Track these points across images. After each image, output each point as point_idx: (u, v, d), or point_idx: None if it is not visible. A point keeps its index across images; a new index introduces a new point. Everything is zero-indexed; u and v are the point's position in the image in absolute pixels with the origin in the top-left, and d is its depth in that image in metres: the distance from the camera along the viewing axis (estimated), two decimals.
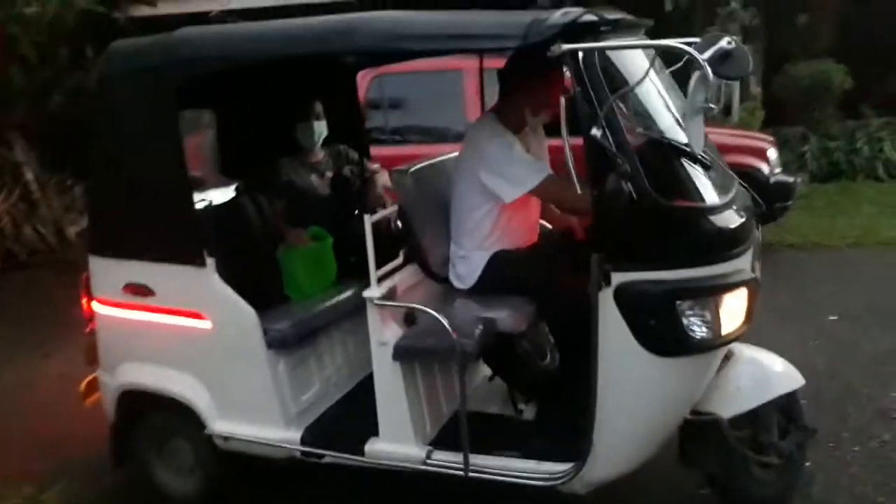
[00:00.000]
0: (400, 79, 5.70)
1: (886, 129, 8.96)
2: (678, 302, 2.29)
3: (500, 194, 2.80)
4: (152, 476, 3.21)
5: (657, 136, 2.41)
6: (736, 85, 7.92)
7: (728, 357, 2.63)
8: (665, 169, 2.37)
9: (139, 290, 2.93)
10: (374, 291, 2.64)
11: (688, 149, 2.37)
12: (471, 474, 2.59)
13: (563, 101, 2.30)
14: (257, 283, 2.97)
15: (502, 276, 2.87)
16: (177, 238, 2.86)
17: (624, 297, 2.31)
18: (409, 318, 2.75)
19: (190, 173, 2.80)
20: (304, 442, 2.86)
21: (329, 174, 3.56)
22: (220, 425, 2.92)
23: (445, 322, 2.53)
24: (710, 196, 2.41)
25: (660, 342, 2.33)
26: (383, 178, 3.57)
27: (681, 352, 2.36)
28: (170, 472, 3.19)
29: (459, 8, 2.57)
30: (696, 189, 2.39)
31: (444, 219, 3.05)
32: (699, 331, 2.33)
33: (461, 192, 2.95)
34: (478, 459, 2.60)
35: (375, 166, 3.74)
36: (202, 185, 3.31)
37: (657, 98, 2.57)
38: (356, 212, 3.47)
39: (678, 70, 2.25)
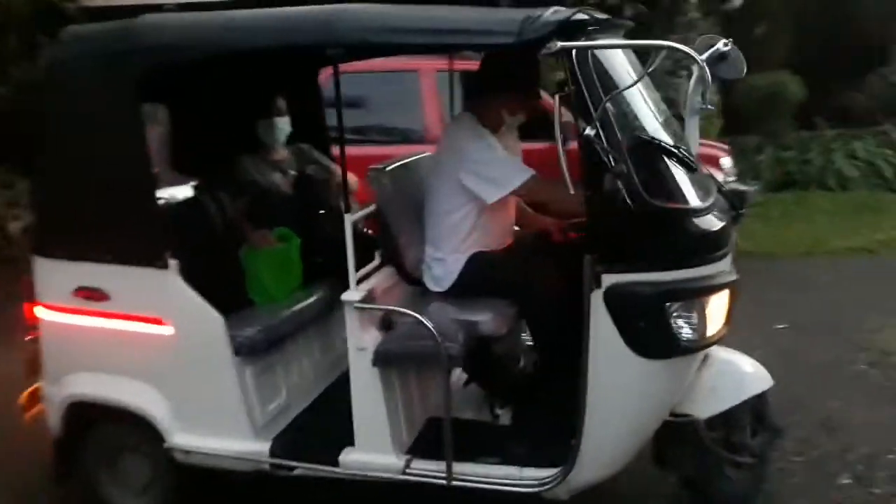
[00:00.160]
0: (355, 78, 5.57)
1: (838, 141, 9.21)
2: (668, 304, 2.29)
3: (482, 195, 2.75)
4: (101, 494, 3.00)
5: (647, 137, 2.40)
6: None
7: (703, 359, 2.65)
8: (656, 170, 2.36)
9: (92, 295, 2.74)
10: (353, 295, 2.54)
11: (676, 150, 2.38)
12: (453, 483, 2.52)
13: (556, 102, 2.25)
14: (220, 285, 2.80)
15: (481, 277, 2.82)
16: (136, 238, 2.68)
17: (614, 299, 2.29)
18: (386, 322, 2.65)
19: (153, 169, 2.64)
20: (273, 454, 2.72)
21: (292, 173, 3.44)
22: (180, 438, 2.75)
23: (430, 325, 2.46)
24: (699, 198, 2.42)
25: (648, 344, 2.32)
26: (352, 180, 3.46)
27: (668, 354, 2.36)
28: (121, 490, 3.00)
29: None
30: (686, 191, 2.40)
31: (417, 220, 2.98)
32: (686, 333, 2.34)
33: (438, 192, 2.88)
34: (459, 467, 2.53)
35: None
36: (158, 183, 3.12)
37: (644, 99, 2.58)
38: (321, 211, 3.36)
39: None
